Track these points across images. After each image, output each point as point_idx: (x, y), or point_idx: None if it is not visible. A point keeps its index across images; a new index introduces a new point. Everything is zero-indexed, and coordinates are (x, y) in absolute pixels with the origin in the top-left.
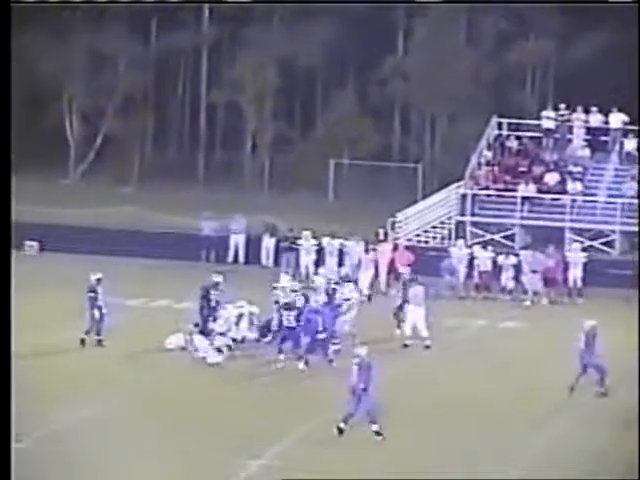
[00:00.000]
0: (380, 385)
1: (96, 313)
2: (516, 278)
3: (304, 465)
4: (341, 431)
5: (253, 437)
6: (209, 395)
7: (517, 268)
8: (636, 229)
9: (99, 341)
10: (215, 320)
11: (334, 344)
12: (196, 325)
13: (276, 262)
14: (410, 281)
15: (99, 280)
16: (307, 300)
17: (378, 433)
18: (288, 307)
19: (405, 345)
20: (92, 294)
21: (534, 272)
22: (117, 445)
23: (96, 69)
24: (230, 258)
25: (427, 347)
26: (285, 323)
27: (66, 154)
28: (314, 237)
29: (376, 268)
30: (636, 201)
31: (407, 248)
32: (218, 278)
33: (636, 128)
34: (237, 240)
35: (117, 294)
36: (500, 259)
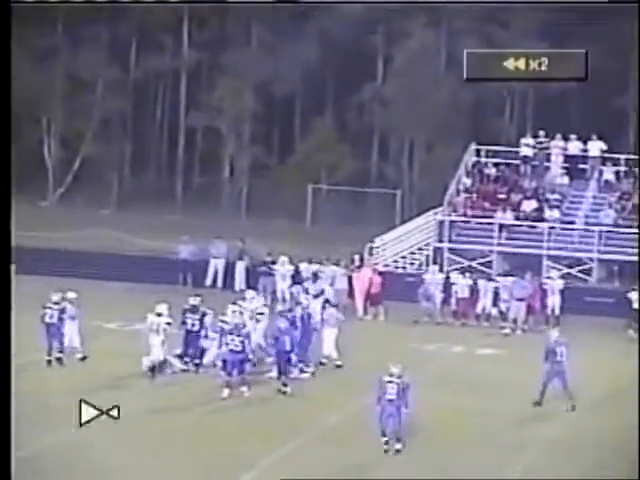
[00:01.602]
0: (356, 410)
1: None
2: (495, 305)
3: None
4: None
5: (230, 461)
6: (186, 418)
7: (496, 295)
8: (614, 257)
9: (59, 359)
10: (194, 344)
11: (304, 371)
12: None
13: (249, 286)
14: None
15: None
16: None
17: (398, 451)
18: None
19: (321, 363)
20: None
21: (520, 300)
22: (98, 465)
23: (75, 93)
24: (209, 282)
25: (338, 366)
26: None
27: (44, 177)
28: (291, 262)
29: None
30: (614, 229)
31: (380, 274)
32: (195, 301)
33: (614, 156)
34: (217, 264)
35: (96, 317)
36: (481, 283)
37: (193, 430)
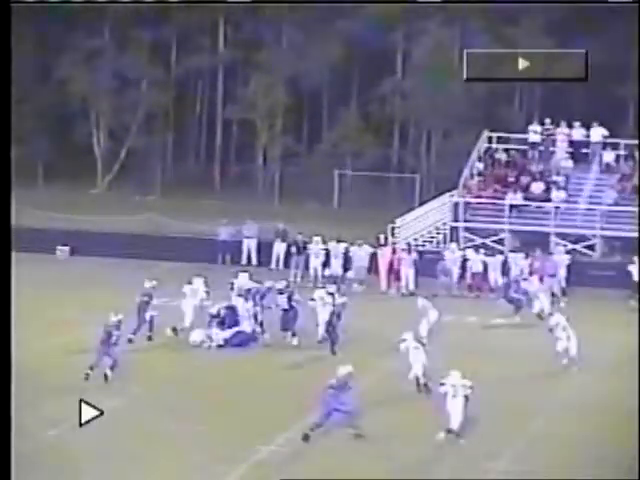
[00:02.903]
0: (376, 379)
1: (147, 315)
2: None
3: (312, 452)
4: (307, 437)
5: (266, 423)
6: (227, 382)
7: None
8: (615, 234)
9: (149, 337)
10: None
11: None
12: (214, 316)
13: (285, 265)
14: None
15: (154, 288)
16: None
17: (359, 435)
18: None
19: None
20: (146, 298)
21: (552, 276)
22: (140, 428)
23: (121, 90)
24: (243, 261)
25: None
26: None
27: (94, 167)
28: (324, 242)
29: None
30: (615, 208)
31: (406, 251)
32: (280, 285)
33: (614, 141)
34: (249, 244)
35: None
36: (493, 259)
37: (231, 394)
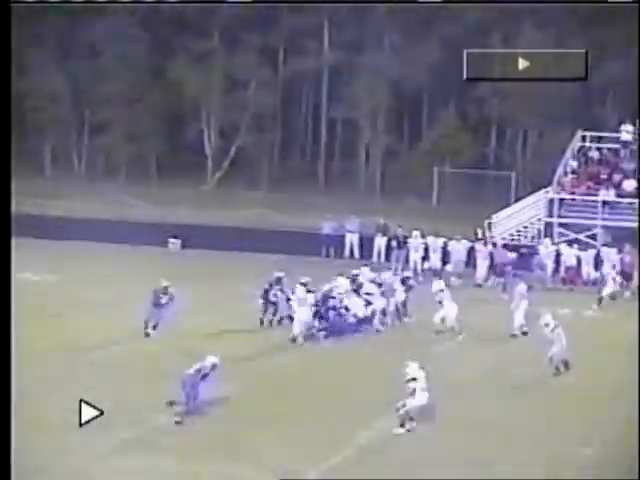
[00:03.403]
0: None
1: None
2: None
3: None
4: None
5: (365, 409)
6: (329, 369)
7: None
8: None
9: (280, 320)
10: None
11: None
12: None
13: (387, 258)
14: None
15: (279, 278)
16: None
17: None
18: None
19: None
20: (269, 287)
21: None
22: (242, 418)
23: (232, 90)
24: (346, 254)
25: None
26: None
27: (204, 164)
28: (422, 236)
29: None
30: None
31: (504, 246)
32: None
33: None
34: (352, 238)
35: (249, 284)
36: (585, 254)
37: (332, 379)
